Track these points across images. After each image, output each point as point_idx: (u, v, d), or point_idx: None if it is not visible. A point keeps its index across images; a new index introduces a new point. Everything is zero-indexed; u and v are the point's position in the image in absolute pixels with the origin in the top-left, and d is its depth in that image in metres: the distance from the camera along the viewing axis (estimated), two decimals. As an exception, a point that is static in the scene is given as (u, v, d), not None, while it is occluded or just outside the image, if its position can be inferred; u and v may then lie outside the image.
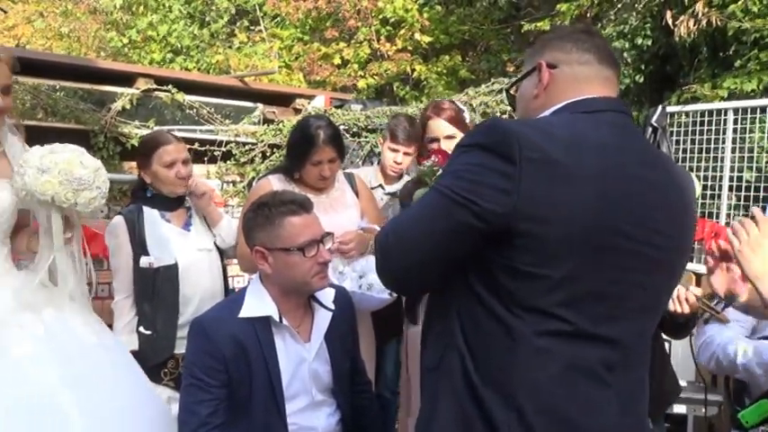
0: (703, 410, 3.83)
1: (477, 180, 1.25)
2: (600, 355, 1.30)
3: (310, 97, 5.35)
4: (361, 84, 9.40)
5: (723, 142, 4.34)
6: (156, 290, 2.69)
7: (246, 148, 4.97)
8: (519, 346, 1.27)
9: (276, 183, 2.77)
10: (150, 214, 2.75)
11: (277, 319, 2.02)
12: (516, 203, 1.22)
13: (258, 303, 2.05)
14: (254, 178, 5.01)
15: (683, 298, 2.57)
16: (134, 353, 2.63)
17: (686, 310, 2.56)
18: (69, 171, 2.05)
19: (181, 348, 2.68)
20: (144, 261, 2.68)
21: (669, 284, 1.46)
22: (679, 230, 1.40)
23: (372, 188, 3.23)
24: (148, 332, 2.70)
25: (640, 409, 1.42)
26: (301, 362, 2.07)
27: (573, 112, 1.39)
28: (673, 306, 2.57)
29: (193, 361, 2.01)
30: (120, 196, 4.56)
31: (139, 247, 2.69)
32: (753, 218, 1.58)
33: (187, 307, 2.72)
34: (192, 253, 2.77)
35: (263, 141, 4.99)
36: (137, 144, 4.58)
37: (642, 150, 1.41)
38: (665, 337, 3.52)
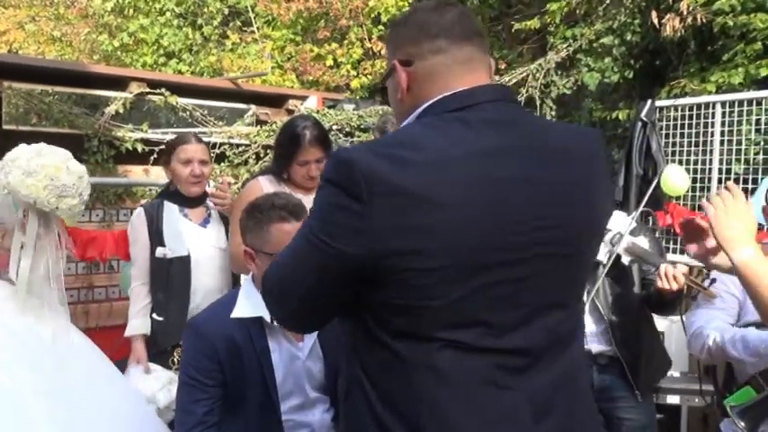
0: (696, 400, 3.88)
1: (330, 220, 1.19)
2: (499, 364, 1.22)
3: (303, 98, 5.39)
4: (355, 83, 9.41)
5: (712, 135, 4.38)
6: (170, 279, 2.86)
7: (240, 149, 5.01)
8: (412, 371, 1.22)
9: (266, 184, 2.82)
10: (170, 209, 2.94)
11: (269, 320, 2.05)
12: (371, 242, 1.15)
13: (250, 304, 2.07)
14: (248, 180, 5.04)
15: (670, 276, 2.62)
16: (146, 337, 2.85)
17: (674, 287, 2.61)
18: (56, 176, 2.09)
19: None
20: (159, 251, 2.87)
21: (579, 273, 1.37)
22: (580, 216, 1.29)
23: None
24: (161, 318, 2.88)
25: (566, 409, 1.30)
26: (295, 360, 2.10)
27: (437, 114, 1.25)
28: (661, 284, 2.63)
29: (189, 361, 2.04)
30: (114, 200, 4.60)
31: (156, 237, 2.88)
32: (728, 189, 1.69)
33: (195, 297, 2.87)
34: (206, 248, 2.93)
35: (256, 143, 5.03)
36: (131, 148, 4.63)
37: (524, 141, 1.25)
38: (660, 328, 3.59)
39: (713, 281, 2.58)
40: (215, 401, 2.02)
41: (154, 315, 2.90)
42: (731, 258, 1.67)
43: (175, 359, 2.83)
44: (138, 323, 2.88)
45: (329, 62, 9.67)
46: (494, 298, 1.20)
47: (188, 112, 4.86)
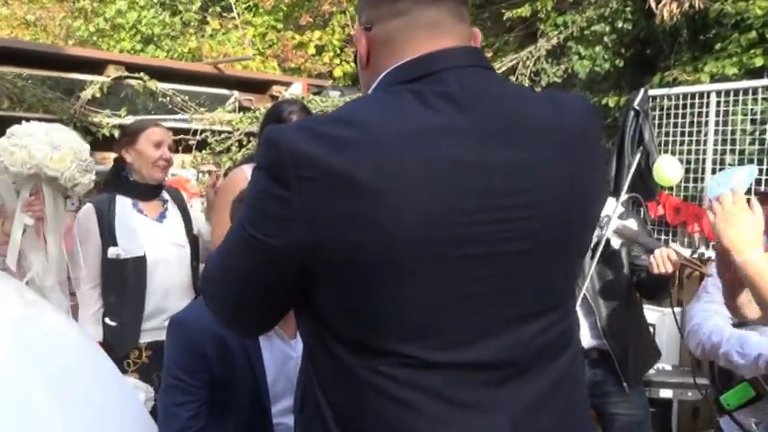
0: (689, 394, 3.83)
1: (258, 209, 1.04)
2: (468, 382, 1.05)
3: (287, 84, 5.23)
4: (337, 71, 9.27)
5: (706, 125, 4.30)
6: (124, 281, 2.62)
7: (222, 136, 4.84)
8: (365, 387, 1.05)
9: (251, 172, 2.68)
10: (122, 204, 2.68)
11: (261, 316, 1.92)
12: (301, 234, 0.99)
13: (241, 299, 1.95)
14: (230, 168, 4.89)
15: (665, 257, 2.53)
16: (99, 344, 2.56)
17: (669, 269, 2.52)
18: (79, 151, 2.02)
19: (144, 338, 2.66)
20: (112, 252, 2.61)
21: (565, 273, 1.15)
22: (562, 206, 1.08)
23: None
24: (114, 323, 2.64)
25: (554, 420, 1.12)
26: (287, 360, 1.97)
27: (391, 86, 1.07)
28: (656, 269, 2.54)
29: (174, 361, 1.90)
30: (94, 189, 4.42)
31: (108, 236, 2.62)
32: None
33: (150, 298, 2.65)
34: (163, 246, 2.70)
35: (239, 130, 4.87)
36: (108, 134, 4.45)
37: (490, 117, 1.04)
38: (651, 320, 3.52)
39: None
40: (201, 404, 1.88)
41: (106, 320, 2.64)
42: (734, 260, 1.66)
43: (131, 360, 2.64)
44: (90, 330, 2.57)
45: (311, 49, 9.52)
46: (454, 302, 1.03)
47: (168, 98, 4.68)
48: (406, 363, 1.03)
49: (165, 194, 2.83)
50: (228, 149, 4.87)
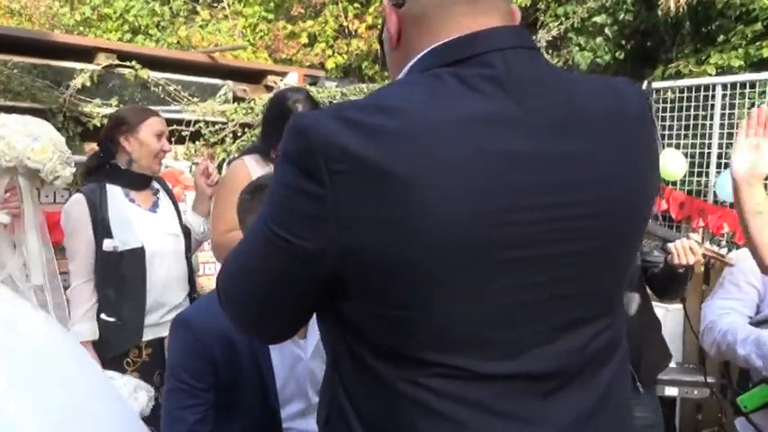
0: (695, 392, 3.78)
1: (285, 206, 0.93)
2: (514, 394, 0.96)
3: (282, 74, 5.09)
4: (330, 63, 9.13)
5: (711, 118, 4.23)
6: (121, 275, 2.49)
7: (216, 127, 4.71)
8: (401, 401, 0.95)
9: (253, 164, 2.57)
10: (113, 193, 2.55)
11: (270, 315, 1.81)
12: (336, 236, 0.89)
13: (249, 297, 1.84)
14: (224, 160, 4.77)
15: (687, 248, 2.44)
16: (95, 342, 2.45)
17: (692, 260, 2.43)
18: (59, 142, 1.93)
19: (144, 336, 2.55)
20: (108, 244, 2.48)
21: (619, 273, 1.06)
22: (618, 200, 0.99)
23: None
24: (111, 319, 2.51)
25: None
26: (297, 361, 1.87)
27: (426, 71, 0.97)
28: (677, 259, 2.45)
29: (178, 362, 1.79)
30: (81, 180, 4.27)
31: (102, 228, 2.49)
32: None
33: (149, 292, 2.54)
34: (159, 237, 2.59)
35: (233, 121, 4.74)
36: (99, 124, 4.31)
37: (539, 103, 0.94)
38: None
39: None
40: (207, 408, 1.78)
41: (102, 316, 2.50)
42: None
43: (130, 359, 2.52)
44: (86, 328, 2.46)
45: (303, 40, 9.37)
46: (505, 310, 0.94)
47: (160, 87, 4.54)
48: (449, 374, 0.94)
49: (155, 184, 2.72)
50: (222, 141, 4.74)
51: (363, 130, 0.88)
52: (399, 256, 0.89)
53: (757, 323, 2.34)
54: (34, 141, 1.90)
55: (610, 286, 1.04)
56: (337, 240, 0.89)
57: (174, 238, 2.65)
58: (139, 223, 2.56)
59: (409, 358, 0.94)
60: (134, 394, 2.38)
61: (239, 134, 4.77)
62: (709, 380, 3.50)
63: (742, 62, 4.26)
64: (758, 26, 4.35)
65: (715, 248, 2.66)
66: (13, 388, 1.87)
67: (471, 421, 0.94)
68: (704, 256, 2.51)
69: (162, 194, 2.71)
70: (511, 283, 0.93)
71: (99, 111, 4.24)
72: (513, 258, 0.92)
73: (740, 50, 4.32)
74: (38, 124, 2.02)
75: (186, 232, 2.70)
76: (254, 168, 2.55)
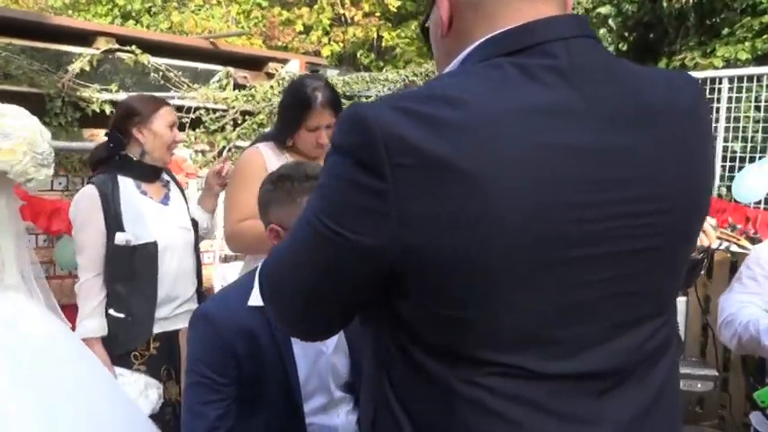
0: (699, 386, 3.78)
1: (340, 201, 0.89)
2: (572, 392, 0.93)
3: (283, 61, 5.02)
4: (325, 51, 9.06)
5: (717, 112, 4.20)
6: (133, 270, 2.42)
7: (217, 114, 4.63)
8: (455, 400, 0.92)
9: (268, 152, 2.51)
10: (125, 185, 2.48)
11: (292, 308, 1.77)
12: (397, 232, 0.85)
13: (270, 289, 1.79)
14: (224, 147, 4.71)
15: (703, 228, 2.42)
16: (103, 338, 2.40)
17: (705, 243, 2.41)
18: (33, 141, 1.78)
19: (155, 330, 2.49)
20: (120, 238, 2.40)
21: (678, 271, 1.03)
22: (680, 196, 0.96)
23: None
24: (121, 315, 2.43)
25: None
26: (319, 355, 1.83)
27: (484, 60, 0.93)
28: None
29: (199, 356, 1.75)
30: (79, 167, 4.20)
31: (114, 221, 2.41)
32: None
33: (160, 286, 2.48)
34: (172, 230, 2.52)
35: (234, 108, 4.66)
36: (98, 110, 4.23)
37: (603, 95, 0.91)
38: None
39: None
40: (230, 403, 1.74)
41: (111, 311, 2.43)
42: None
43: (138, 353, 2.46)
44: (95, 324, 2.39)
45: (299, 27, 9.28)
46: (567, 308, 0.90)
47: (161, 73, 4.45)
48: (506, 373, 0.90)
49: (165, 175, 2.65)
50: (223, 128, 4.67)
51: (426, 122, 0.84)
52: (463, 253, 0.85)
53: None
54: (3, 140, 1.77)
55: (668, 283, 1.01)
56: (398, 237, 0.85)
57: (184, 231, 2.59)
58: (152, 216, 2.50)
59: (466, 357, 0.91)
60: (145, 392, 2.34)
61: (240, 122, 4.70)
62: (711, 373, 3.51)
63: (749, 55, 4.23)
64: (766, 18, 4.33)
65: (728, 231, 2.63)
66: (13, 387, 1.83)
67: (527, 421, 0.91)
68: (719, 239, 2.49)
69: (172, 186, 2.65)
70: (573, 280, 0.90)
71: (98, 96, 4.16)
72: (578, 256, 0.89)
73: (746, 43, 4.29)
74: (15, 118, 1.87)
75: (194, 224, 2.65)
76: (269, 156, 2.49)
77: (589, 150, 0.88)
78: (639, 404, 0.98)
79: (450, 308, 0.89)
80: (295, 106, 2.47)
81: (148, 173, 2.53)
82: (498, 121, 0.85)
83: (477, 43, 0.95)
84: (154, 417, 2.32)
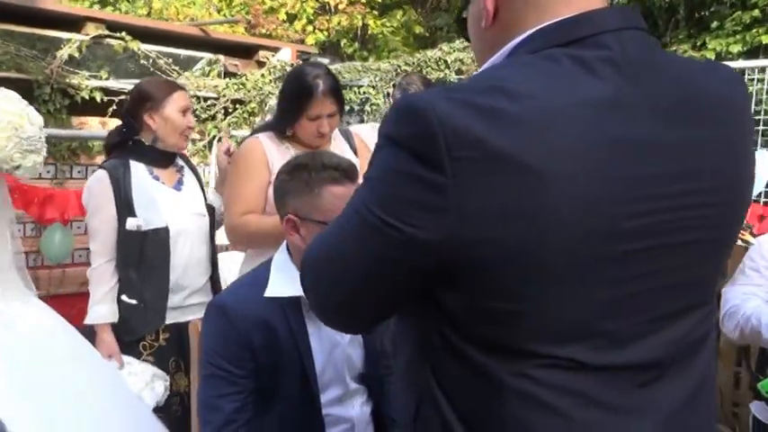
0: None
1: (395, 194, 0.87)
2: (619, 384, 0.93)
3: (275, 50, 4.97)
4: (310, 39, 8.98)
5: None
6: (144, 255, 2.40)
7: (208, 103, 4.57)
8: (505, 393, 0.91)
9: (267, 142, 2.46)
10: (137, 170, 2.45)
11: (309, 300, 1.75)
12: (455, 227, 0.84)
13: (287, 281, 1.76)
14: (214, 137, 4.65)
15: None
16: (115, 324, 2.38)
17: None
18: (20, 126, 1.74)
19: (167, 320, 2.46)
20: (131, 223, 2.38)
21: (722, 262, 1.04)
22: (730, 189, 0.97)
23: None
24: (133, 301, 2.41)
25: (697, 423, 1.02)
26: (335, 347, 1.81)
27: (536, 51, 0.91)
28: None
29: (215, 348, 1.72)
30: (68, 155, 4.13)
31: (125, 206, 2.39)
32: None
33: (171, 275, 2.45)
34: (185, 216, 2.48)
35: (225, 96, 4.61)
36: (87, 97, 4.15)
37: (659, 88, 0.90)
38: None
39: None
40: (246, 396, 1.72)
41: (123, 297, 2.42)
42: None
43: (147, 343, 2.43)
44: (106, 310, 2.38)
45: (282, 16, 9.20)
46: (616, 301, 0.90)
47: (151, 60, 4.38)
48: (555, 365, 0.90)
49: (179, 160, 2.61)
50: (214, 117, 4.61)
51: (486, 114, 0.83)
52: (519, 246, 0.85)
53: None
54: None
55: (713, 275, 1.02)
56: (456, 231, 0.84)
57: (198, 217, 2.55)
58: (164, 202, 2.45)
59: (515, 350, 0.90)
60: (151, 383, 2.31)
61: (230, 110, 4.65)
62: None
63: (740, 47, 4.28)
64: (756, 12, 4.37)
65: None
66: (11, 387, 1.80)
67: (577, 413, 0.91)
68: None
69: (186, 172, 2.60)
70: (624, 273, 0.90)
71: (87, 83, 4.08)
72: (635, 249, 0.89)
73: (737, 36, 4.33)
74: (1, 100, 1.84)
75: (210, 211, 2.60)
76: (269, 146, 2.45)
77: (643, 144, 0.88)
78: (682, 395, 0.98)
79: (504, 301, 0.88)
80: (296, 95, 2.41)
81: (161, 158, 2.50)
82: (557, 114, 0.84)
83: (527, 34, 0.93)
84: (160, 409, 2.30)
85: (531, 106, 0.83)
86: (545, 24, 0.92)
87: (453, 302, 0.92)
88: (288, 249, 1.82)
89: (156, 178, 2.49)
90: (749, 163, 1.01)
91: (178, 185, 2.54)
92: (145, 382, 2.28)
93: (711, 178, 0.93)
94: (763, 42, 4.28)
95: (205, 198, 2.61)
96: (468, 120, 0.82)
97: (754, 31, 4.39)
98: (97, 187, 2.42)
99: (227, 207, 2.46)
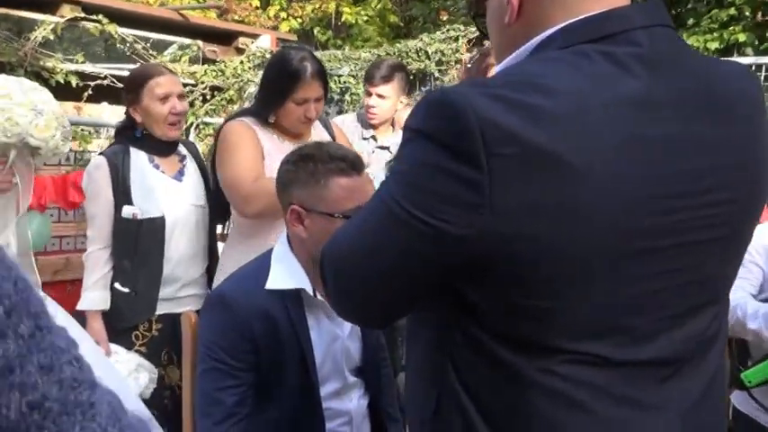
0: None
1: (427, 188, 0.86)
2: (639, 379, 0.94)
3: (254, 36, 4.90)
4: (284, 26, 8.88)
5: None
6: (139, 245, 2.37)
7: (186, 89, 4.48)
8: (530, 389, 0.92)
9: (253, 126, 2.38)
10: (138, 157, 2.41)
11: (311, 293, 1.73)
12: (489, 224, 0.83)
13: (288, 273, 1.74)
14: (192, 124, 4.58)
15: None
16: (106, 312, 2.36)
17: None
18: (62, 116, 1.77)
19: (158, 310, 2.43)
20: (127, 211, 2.35)
21: (739, 259, 1.05)
22: (752, 186, 0.98)
23: (364, 139, 2.95)
24: (126, 290, 2.39)
25: (711, 417, 1.04)
26: (334, 340, 1.80)
27: (566, 47, 0.90)
28: None
29: (215, 340, 1.69)
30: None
31: (122, 194, 2.36)
32: None
33: (166, 265, 2.42)
34: (182, 207, 2.44)
35: (203, 83, 4.53)
36: (62, 81, 4.04)
37: (688, 85, 0.91)
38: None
39: None
40: (247, 389, 1.69)
41: (117, 285, 2.39)
42: None
43: (140, 333, 2.40)
44: (97, 296, 2.36)
45: (255, 2, 9.07)
46: (638, 297, 0.91)
47: (128, 45, 4.28)
48: (581, 360, 0.91)
49: (183, 149, 2.56)
50: (192, 104, 4.53)
51: (523, 111, 0.82)
52: (554, 243, 0.85)
53: (765, 300, 2.40)
54: (38, 116, 1.77)
55: (731, 271, 1.04)
56: (490, 227, 0.84)
57: (197, 209, 2.49)
58: (162, 191, 2.41)
59: (541, 346, 0.91)
60: (135, 373, 2.27)
61: (209, 97, 4.58)
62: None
63: (718, 45, 4.35)
64: (732, 11, 4.44)
65: None
66: None
67: (601, 408, 0.92)
68: None
69: (189, 161, 2.54)
70: (654, 269, 0.90)
71: (62, 66, 3.98)
72: (665, 246, 0.90)
73: (715, 34, 4.40)
74: (39, 92, 1.88)
75: (213, 200, 2.52)
76: (257, 130, 2.37)
77: (674, 141, 0.89)
78: (697, 390, 1.00)
79: (535, 298, 0.88)
80: (282, 78, 2.33)
81: (160, 147, 2.45)
82: (592, 111, 0.84)
83: (553, 30, 0.93)
84: (150, 402, 2.25)
85: (566, 102, 0.83)
86: (575, 20, 0.91)
87: (480, 298, 0.92)
88: (289, 241, 1.79)
89: (157, 167, 2.45)
90: (765, 158, 1.02)
91: (179, 176, 2.49)
92: (128, 370, 2.24)
93: (735, 175, 0.94)
94: (740, 40, 4.36)
95: (208, 188, 2.54)
96: (505, 115, 0.81)
97: (731, 28, 4.46)
98: (95, 173, 2.39)
99: (233, 183, 2.32)
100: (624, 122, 0.85)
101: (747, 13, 4.36)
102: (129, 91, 2.44)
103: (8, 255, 0.43)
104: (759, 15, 4.39)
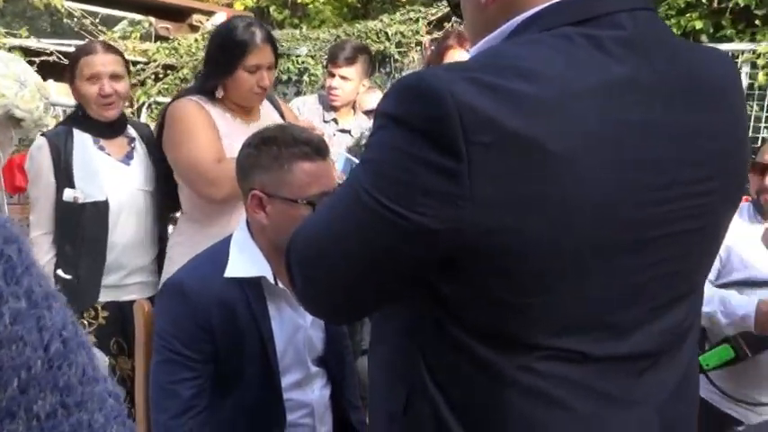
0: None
1: (401, 179, 0.80)
2: (617, 374, 0.91)
3: (209, 13, 4.75)
4: (238, 5, 8.67)
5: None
6: (81, 229, 2.27)
7: (137, 68, 4.33)
8: (504, 386, 0.88)
9: (203, 104, 2.26)
10: (81, 139, 2.30)
11: (272, 281, 1.66)
12: (469, 216, 0.78)
13: (248, 261, 1.67)
14: (144, 103, 4.43)
15: None
16: None
17: None
18: (43, 87, 1.70)
19: (102, 297, 2.34)
20: (68, 194, 2.25)
21: (716, 249, 1.02)
22: (732, 175, 0.95)
23: (325, 122, 2.88)
24: (68, 276, 2.29)
25: (688, 422, 1.03)
26: (297, 329, 1.74)
27: (547, 30, 0.85)
28: None
29: (170, 331, 1.62)
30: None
31: (65, 177, 2.25)
32: None
33: (110, 251, 2.32)
34: (128, 191, 2.33)
35: (155, 61, 4.38)
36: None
37: (670, 70, 0.87)
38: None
39: None
40: (204, 381, 1.63)
41: (59, 272, 2.30)
42: None
43: (86, 321, 2.30)
44: None
45: (209, -22, 8.84)
46: (623, 291, 0.88)
47: (75, 19, 4.10)
48: (558, 356, 0.87)
49: (132, 131, 2.44)
50: (143, 83, 4.38)
51: (504, 96, 0.77)
52: (538, 236, 0.80)
53: (721, 286, 2.42)
54: (22, 88, 1.74)
55: (707, 262, 1.01)
56: (470, 219, 0.78)
57: (145, 194, 2.39)
58: (107, 174, 2.30)
59: (519, 342, 0.87)
60: None
61: (161, 75, 4.43)
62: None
63: (675, 31, 4.37)
64: (691, -3, 4.48)
65: None
66: None
67: (579, 404, 0.89)
68: None
69: (138, 144, 2.43)
70: (639, 262, 0.87)
71: (5, 41, 3.78)
72: (652, 237, 0.86)
73: (672, 20, 4.43)
74: (18, 63, 1.83)
75: (164, 189, 2.39)
76: (208, 108, 2.25)
77: (661, 128, 0.85)
78: (672, 381, 0.98)
79: (516, 292, 0.84)
80: (230, 47, 2.19)
81: (103, 128, 2.34)
82: (576, 96, 0.79)
83: (534, 11, 0.88)
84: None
85: (549, 88, 0.78)
86: (555, 1, 0.87)
87: (454, 292, 0.87)
88: (249, 227, 1.72)
89: (102, 149, 2.34)
90: (745, 146, 1.00)
91: (126, 159, 2.38)
92: None
93: (718, 163, 0.91)
94: (697, 27, 4.39)
95: (161, 171, 2.38)
96: (485, 101, 0.76)
97: (688, 15, 4.50)
98: (37, 155, 2.29)
99: (195, 166, 2.19)
100: (610, 109, 0.81)
101: (704, 1, 4.40)
102: (68, 69, 2.34)
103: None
104: (715, 3, 4.43)
